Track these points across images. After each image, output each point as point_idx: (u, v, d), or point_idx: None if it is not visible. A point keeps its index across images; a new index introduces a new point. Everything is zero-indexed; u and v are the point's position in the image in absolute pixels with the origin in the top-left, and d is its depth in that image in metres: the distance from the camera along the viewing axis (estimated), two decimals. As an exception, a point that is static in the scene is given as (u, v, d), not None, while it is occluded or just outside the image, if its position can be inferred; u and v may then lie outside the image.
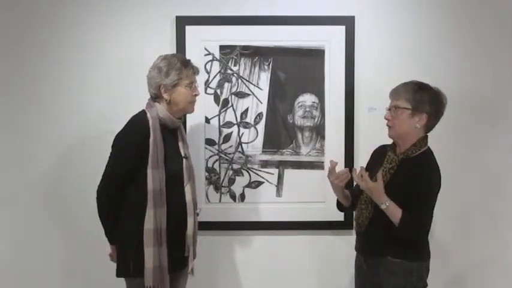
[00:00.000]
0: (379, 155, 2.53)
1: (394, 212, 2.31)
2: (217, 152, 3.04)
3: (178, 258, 2.49)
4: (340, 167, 2.97)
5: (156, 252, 2.37)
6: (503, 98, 3.05)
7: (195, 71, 2.53)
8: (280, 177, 3.05)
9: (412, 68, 2.97)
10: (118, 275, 2.47)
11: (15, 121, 3.00)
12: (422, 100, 2.35)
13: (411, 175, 2.33)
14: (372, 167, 2.49)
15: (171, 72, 2.44)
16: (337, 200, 2.64)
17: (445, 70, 3.02)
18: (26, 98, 3.00)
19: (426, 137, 2.42)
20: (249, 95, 3.03)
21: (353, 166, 2.99)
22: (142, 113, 2.45)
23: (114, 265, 2.50)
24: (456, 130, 3.04)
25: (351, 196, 2.59)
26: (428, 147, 2.43)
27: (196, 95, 2.53)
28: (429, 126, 2.41)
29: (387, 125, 2.43)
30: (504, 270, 3.10)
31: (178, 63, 2.46)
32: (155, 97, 2.49)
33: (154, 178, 2.37)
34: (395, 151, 2.44)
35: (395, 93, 2.42)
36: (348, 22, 2.99)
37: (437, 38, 3.02)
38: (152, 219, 2.36)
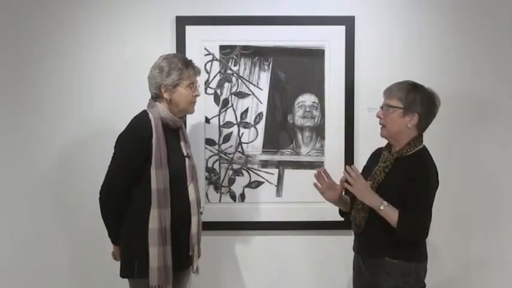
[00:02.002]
0: (376, 156, 2.52)
1: (391, 213, 2.31)
2: (217, 152, 3.04)
3: (182, 257, 2.50)
4: (340, 167, 2.98)
5: (161, 252, 2.37)
6: (503, 98, 3.05)
7: (196, 72, 2.53)
8: (280, 177, 3.05)
9: (411, 68, 2.97)
10: (122, 275, 2.48)
11: (15, 121, 3.00)
12: (415, 100, 2.35)
13: (407, 174, 2.33)
14: (370, 168, 2.49)
15: (172, 72, 2.44)
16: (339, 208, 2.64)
17: (445, 70, 3.02)
18: (26, 98, 3.00)
19: (421, 136, 2.42)
20: (249, 95, 3.03)
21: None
22: (144, 113, 2.46)
23: (117, 265, 2.50)
24: (455, 130, 3.04)
25: (349, 200, 2.58)
26: (424, 145, 2.43)
27: (197, 96, 2.53)
28: (421, 126, 2.41)
29: (380, 124, 2.43)
30: (503, 270, 3.10)
31: (179, 64, 2.46)
32: (156, 97, 2.49)
33: (158, 178, 2.38)
34: (390, 150, 2.45)
35: (388, 92, 2.43)
36: (348, 22, 2.99)
37: (437, 38, 3.02)
38: (156, 219, 2.37)
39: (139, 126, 2.42)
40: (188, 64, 2.49)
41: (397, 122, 2.38)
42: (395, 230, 2.30)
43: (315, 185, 2.55)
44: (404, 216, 2.29)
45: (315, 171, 2.56)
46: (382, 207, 2.31)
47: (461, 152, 3.05)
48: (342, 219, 2.96)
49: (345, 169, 2.40)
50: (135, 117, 2.48)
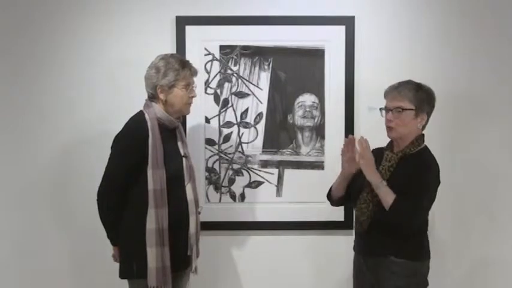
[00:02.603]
0: (375, 156, 2.52)
1: (388, 194, 2.30)
2: (217, 152, 3.04)
3: (181, 258, 2.50)
4: (340, 167, 2.98)
5: (159, 252, 2.37)
6: (503, 97, 3.04)
7: (193, 73, 2.52)
8: (280, 177, 3.05)
9: (411, 67, 2.96)
10: (121, 276, 2.48)
11: (15, 121, 3.01)
12: (422, 99, 2.37)
13: (412, 173, 2.33)
14: None
15: (169, 73, 2.44)
16: (330, 189, 2.63)
17: (445, 70, 3.02)
18: (25, 98, 3.00)
19: (423, 135, 2.44)
20: (249, 95, 3.03)
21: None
22: (140, 114, 2.46)
23: (116, 265, 2.50)
24: (455, 130, 3.04)
25: (346, 187, 2.58)
26: (425, 144, 2.44)
27: (192, 97, 2.53)
28: (425, 124, 2.43)
29: (388, 126, 2.41)
30: (503, 270, 3.10)
31: (176, 64, 2.45)
32: (152, 97, 2.49)
33: (154, 178, 2.37)
34: (392, 150, 2.44)
35: (396, 93, 2.40)
36: (348, 22, 2.99)
37: (437, 38, 3.02)
38: (154, 219, 2.37)
39: (135, 126, 2.42)
40: (185, 65, 2.48)
41: (409, 124, 2.38)
42: (387, 211, 2.30)
43: (342, 151, 2.52)
44: (399, 200, 2.28)
45: (346, 139, 2.54)
46: (380, 185, 2.31)
47: (461, 152, 3.05)
48: (342, 219, 2.98)
49: (359, 139, 2.40)
50: (131, 117, 2.48)
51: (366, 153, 2.36)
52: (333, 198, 2.62)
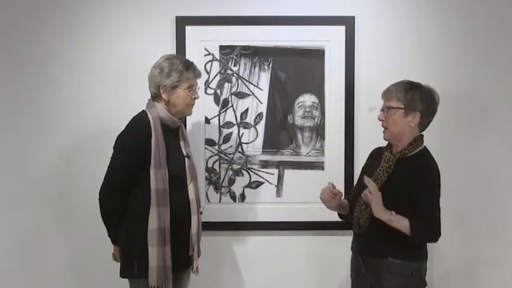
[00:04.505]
0: (376, 156, 2.52)
1: (401, 222, 2.29)
2: (217, 152, 3.04)
3: (182, 257, 2.50)
4: (340, 167, 3.00)
5: (160, 252, 2.37)
6: (502, 98, 3.05)
7: (197, 75, 2.53)
8: (280, 178, 3.05)
9: (412, 68, 2.97)
10: (122, 275, 2.48)
11: (15, 121, 3.00)
12: (414, 98, 2.36)
13: (411, 175, 2.33)
14: (369, 169, 2.49)
15: (172, 74, 2.44)
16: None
17: (445, 70, 3.02)
18: (26, 98, 3.00)
19: (422, 136, 2.43)
20: (249, 95, 3.03)
21: (353, 166, 3.00)
22: (143, 114, 2.46)
23: (117, 265, 2.50)
24: (455, 130, 3.04)
25: (347, 202, 2.59)
26: (425, 146, 2.44)
27: (195, 98, 2.53)
28: (423, 124, 2.41)
29: (382, 126, 2.43)
30: (503, 270, 3.10)
31: (180, 65, 2.46)
32: (155, 96, 2.49)
33: (157, 178, 2.38)
34: (391, 151, 2.44)
35: (387, 93, 2.43)
36: (348, 22, 2.99)
37: (437, 38, 3.02)
38: (156, 219, 2.37)
39: (138, 126, 2.42)
40: (189, 67, 2.49)
41: (399, 123, 2.38)
42: (410, 237, 2.29)
43: (323, 199, 2.52)
44: (415, 222, 2.28)
45: (323, 187, 2.52)
46: (392, 218, 2.29)
47: (461, 152, 3.05)
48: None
49: (364, 180, 2.37)
50: (134, 117, 2.48)
51: (375, 193, 2.33)
52: (346, 217, 2.63)
